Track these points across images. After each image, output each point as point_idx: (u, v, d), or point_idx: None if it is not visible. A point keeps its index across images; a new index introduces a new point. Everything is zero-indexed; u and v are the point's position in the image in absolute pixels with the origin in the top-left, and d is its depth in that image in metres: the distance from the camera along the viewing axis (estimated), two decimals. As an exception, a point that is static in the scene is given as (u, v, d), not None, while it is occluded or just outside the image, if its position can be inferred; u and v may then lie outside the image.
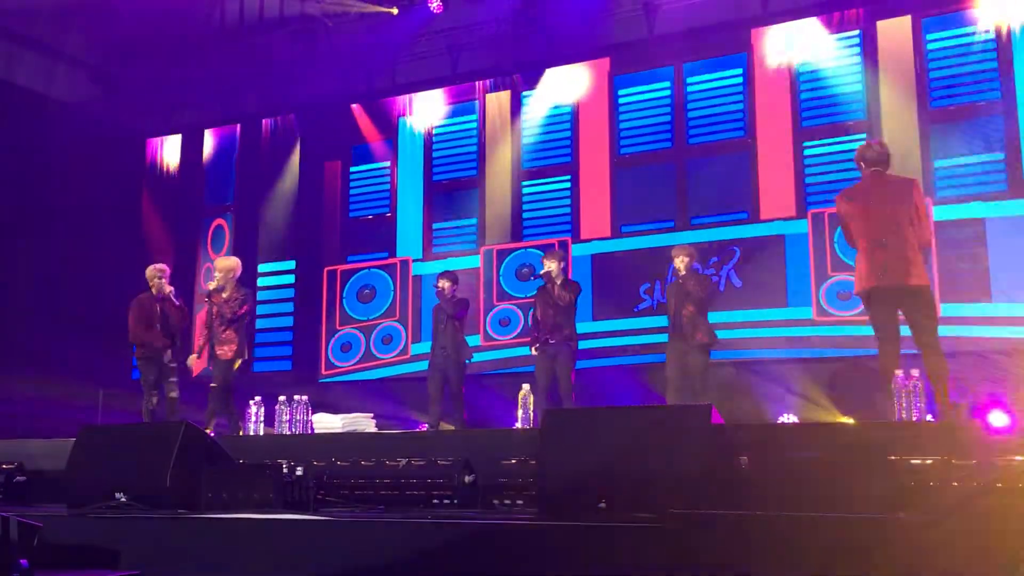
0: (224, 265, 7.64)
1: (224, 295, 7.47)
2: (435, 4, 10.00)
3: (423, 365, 9.76)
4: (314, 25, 10.91)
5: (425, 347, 9.93)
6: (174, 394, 7.39)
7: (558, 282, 7.49)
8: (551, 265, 7.54)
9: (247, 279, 10.97)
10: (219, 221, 11.68)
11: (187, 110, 11.99)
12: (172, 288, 7.76)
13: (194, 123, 11.97)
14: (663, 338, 8.47)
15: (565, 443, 3.80)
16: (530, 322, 7.98)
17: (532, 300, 7.80)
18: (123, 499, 4.06)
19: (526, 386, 6.65)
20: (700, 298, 7.17)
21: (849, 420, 7.14)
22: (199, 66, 11.28)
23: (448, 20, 10.29)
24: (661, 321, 8.91)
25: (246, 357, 7.89)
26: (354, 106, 11.02)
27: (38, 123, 10.24)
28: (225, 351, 7.38)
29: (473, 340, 8.66)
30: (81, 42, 10.94)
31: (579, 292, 7.65)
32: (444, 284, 7.97)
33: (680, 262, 7.26)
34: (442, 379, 7.76)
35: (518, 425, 6.72)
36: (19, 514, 3.03)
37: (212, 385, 7.31)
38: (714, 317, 8.80)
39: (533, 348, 7.61)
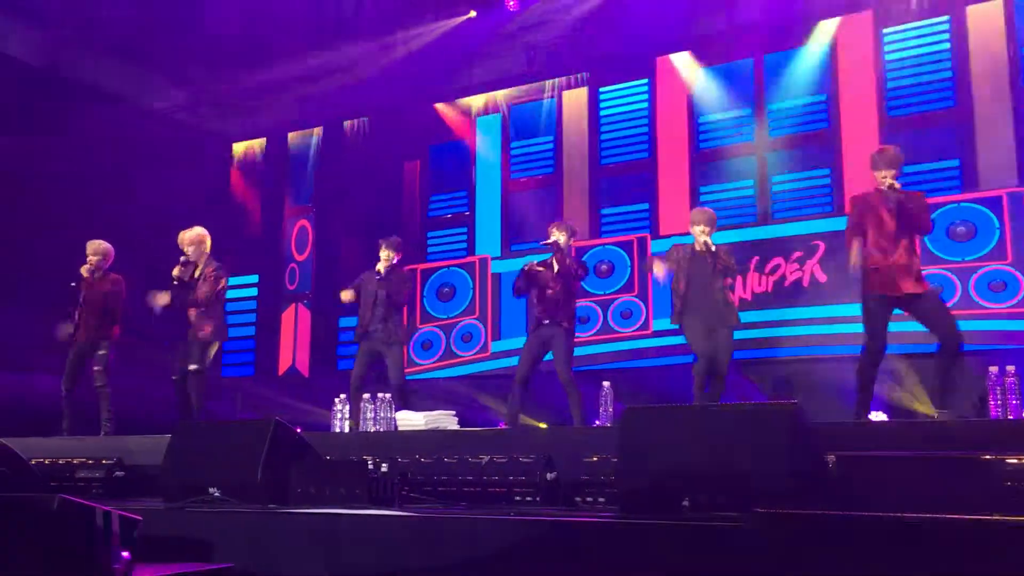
0: (192, 237, 7.24)
1: (197, 272, 7.15)
2: (512, 2, 10.02)
3: (504, 362, 9.85)
4: (391, 26, 11.04)
5: (506, 344, 10.02)
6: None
7: (569, 259, 7.00)
8: (559, 236, 7.01)
9: (331, 279, 11.25)
10: (302, 222, 11.93)
11: (270, 113, 12.28)
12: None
13: (277, 126, 12.25)
14: (747, 334, 8.33)
15: (646, 441, 3.78)
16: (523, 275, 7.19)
17: (540, 277, 7.07)
18: (217, 494, 4.20)
19: (606, 383, 6.64)
20: (732, 273, 6.67)
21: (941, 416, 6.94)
22: (280, 70, 11.54)
23: (524, 18, 10.31)
24: (745, 316, 8.80)
25: (226, 338, 7.54)
26: (432, 106, 11.13)
27: (127, 129, 10.59)
28: (206, 332, 7.05)
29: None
30: (167, 49, 11.28)
31: (587, 273, 7.15)
32: (383, 254, 7.35)
33: (701, 231, 6.61)
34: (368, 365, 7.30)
35: (597, 422, 6.71)
36: (119, 508, 3.16)
37: (192, 367, 6.98)
38: (799, 313, 8.70)
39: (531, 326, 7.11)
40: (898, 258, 5.48)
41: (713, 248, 6.57)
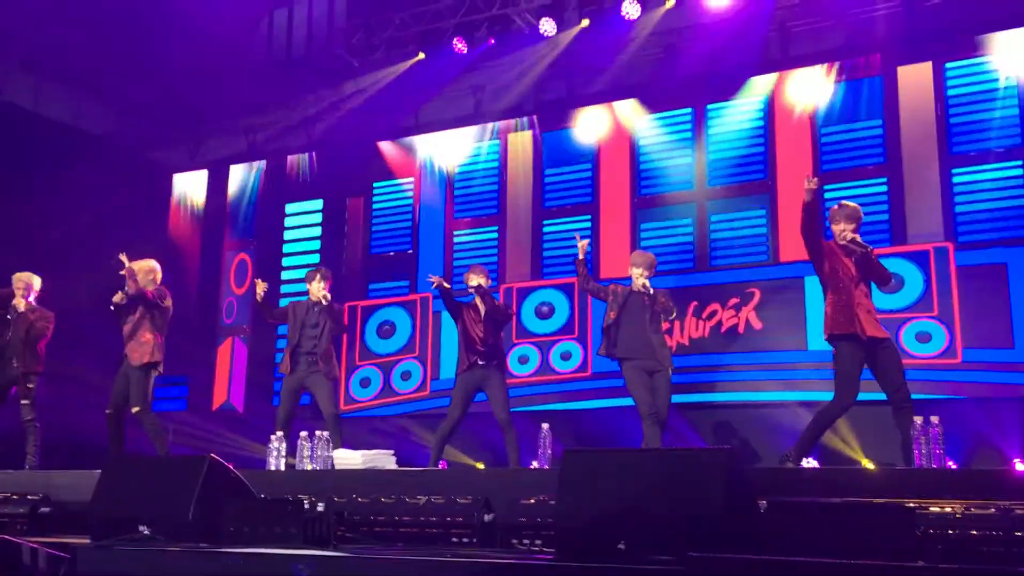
0: (144, 267, 7.24)
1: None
2: (460, 46, 10.14)
3: (443, 402, 9.81)
4: (340, 64, 11.09)
5: (445, 383, 10.00)
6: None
7: (499, 303, 7.19)
8: (479, 279, 7.20)
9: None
10: (242, 255, 11.82)
11: (213, 146, 12.20)
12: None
13: (220, 158, 12.16)
14: (683, 378, 8.44)
15: (584, 483, 3.81)
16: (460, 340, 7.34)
17: (467, 319, 7.27)
18: (147, 532, 4.11)
19: (545, 425, 6.67)
20: (670, 315, 6.72)
21: (871, 465, 7.11)
22: (225, 102, 11.49)
23: (471, 60, 10.44)
24: (682, 361, 8.93)
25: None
26: (377, 144, 11.17)
27: (67, 156, 10.42)
28: (142, 354, 6.97)
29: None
30: (110, 77, 11.16)
31: (513, 315, 7.30)
32: (317, 285, 7.33)
33: (640, 274, 6.73)
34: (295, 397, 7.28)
35: (535, 464, 6.73)
36: (45, 545, 3.08)
37: (134, 410, 6.87)
38: (735, 359, 8.86)
39: (463, 368, 7.16)
40: (862, 300, 5.68)
41: (651, 291, 6.67)
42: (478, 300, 7.21)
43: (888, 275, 5.89)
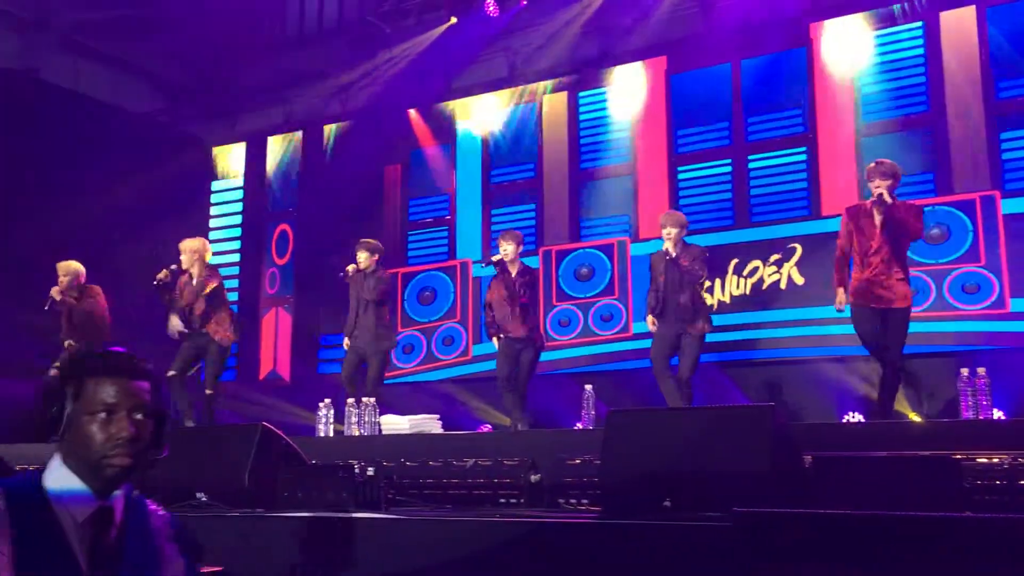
0: (194, 245, 7.41)
1: (193, 280, 7.29)
2: (492, 8, 10.09)
3: (485, 366, 9.91)
4: (373, 31, 11.09)
5: (487, 347, 10.08)
6: None
7: (513, 269, 7.15)
8: (507, 248, 7.18)
9: (312, 283, 11.28)
10: (283, 226, 11.94)
11: (250, 118, 12.29)
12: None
13: (258, 131, 12.25)
14: (725, 336, 8.44)
15: (629, 443, 3.86)
16: (484, 310, 7.52)
17: (492, 283, 7.39)
18: (204, 498, 4.23)
19: (589, 386, 6.72)
20: (696, 281, 6.64)
21: (917, 418, 7.07)
22: (261, 75, 11.56)
23: (504, 23, 10.38)
24: (723, 319, 8.90)
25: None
26: (411, 111, 11.18)
27: (107, 134, 10.57)
28: (222, 334, 7.27)
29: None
30: (145, 53, 11.27)
31: (532, 286, 7.25)
32: (362, 256, 7.47)
33: (668, 235, 6.63)
34: (357, 363, 7.38)
35: (579, 425, 6.79)
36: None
37: (208, 392, 7.19)
38: (777, 315, 8.81)
39: (494, 339, 7.27)
40: (874, 272, 5.69)
41: (674, 253, 6.63)
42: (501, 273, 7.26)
43: (917, 230, 5.79)
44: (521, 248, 7.40)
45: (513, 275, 7.15)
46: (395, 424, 6.13)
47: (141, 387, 1.99)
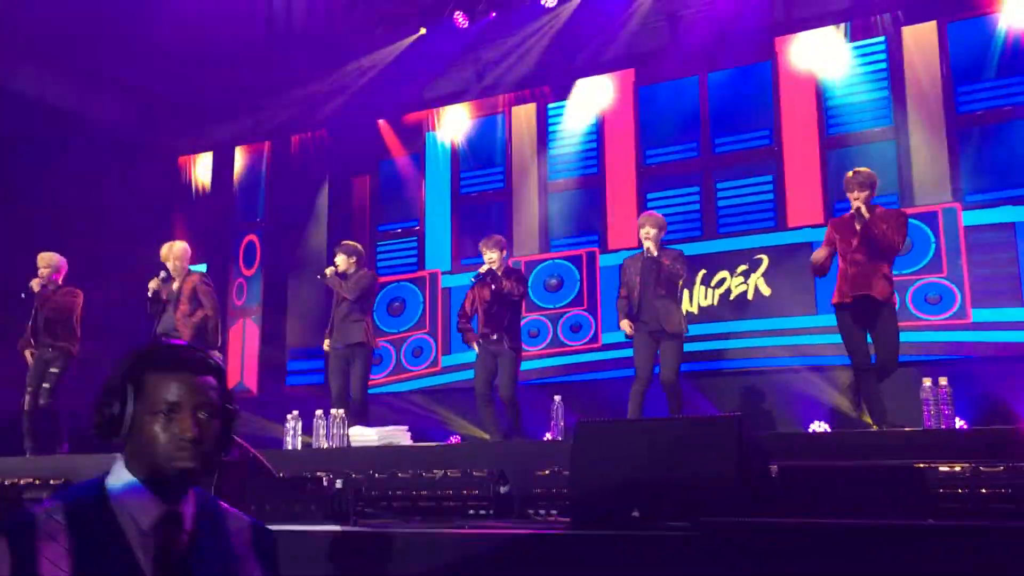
0: (179, 251, 7.35)
1: (176, 285, 7.23)
2: (461, 20, 10.12)
3: (454, 376, 9.91)
4: (342, 41, 11.07)
5: (456, 358, 10.08)
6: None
7: (500, 273, 7.02)
8: (492, 256, 7.05)
9: (279, 293, 11.21)
10: (250, 237, 11.86)
11: (218, 127, 12.20)
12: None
13: (225, 140, 12.18)
14: (694, 347, 8.49)
15: (597, 453, 3.87)
16: (459, 314, 7.48)
17: (471, 292, 7.33)
18: (170, 512, 4.18)
19: (557, 397, 6.73)
20: (677, 280, 6.59)
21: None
22: (229, 84, 11.49)
23: (473, 35, 10.42)
24: (692, 329, 8.96)
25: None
26: (380, 121, 11.17)
27: (71, 141, 10.45)
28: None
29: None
30: (112, 61, 11.16)
31: (524, 291, 7.14)
32: (341, 259, 7.40)
33: (647, 235, 6.55)
34: (343, 369, 7.29)
35: (548, 436, 6.80)
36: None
37: None
38: (744, 325, 8.89)
39: (473, 344, 7.16)
40: (858, 269, 5.74)
41: (655, 253, 6.59)
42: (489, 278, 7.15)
43: (893, 243, 5.79)
44: (505, 253, 7.28)
45: (503, 282, 7.02)
46: (364, 436, 6.10)
47: (206, 383, 1.87)
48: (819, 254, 5.99)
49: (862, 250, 5.77)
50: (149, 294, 7.15)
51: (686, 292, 9.04)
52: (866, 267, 5.74)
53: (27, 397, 7.17)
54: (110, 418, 1.83)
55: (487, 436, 7.45)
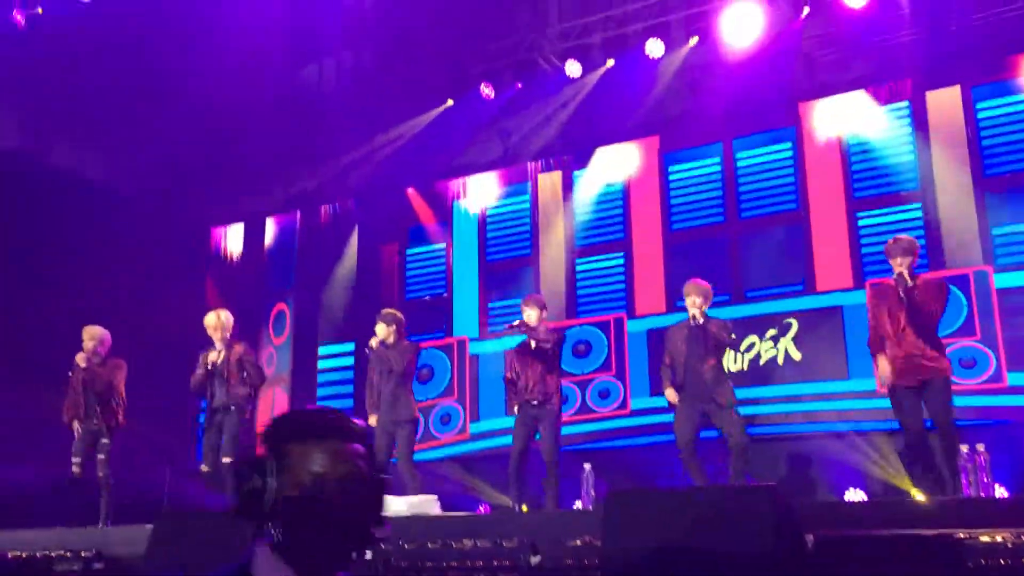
0: (226, 321, 7.25)
1: (220, 356, 7.13)
2: (487, 91, 10.31)
3: (482, 444, 9.86)
4: (371, 113, 11.30)
5: (484, 425, 10.03)
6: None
7: (541, 330, 6.90)
8: (531, 313, 6.94)
9: (309, 362, 11.26)
10: (280, 305, 11.98)
11: (249, 198, 12.42)
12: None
13: (256, 210, 12.38)
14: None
15: (629, 524, 3.82)
16: (505, 380, 7.30)
17: (513, 356, 7.18)
18: (200, 587, 4.16)
19: (587, 465, 6.67)
20: (724, 347, 6.45)
21: (919, 495, 7.01)
22: (259, 155, 11.73)
23: (499, 105, 10.60)
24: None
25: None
26: (409, 190, 11.33)
27: (102, 214, 10.66)
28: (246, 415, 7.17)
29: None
30: (144, 133, 11.45)
31: (563, 339, 7.01)
32: (383, 329, 7.13)
33: (693, 303, 6.44)
34: (388, 444, 7.02)
35: (578, 504, 6.72)
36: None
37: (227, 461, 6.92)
38: (775, 391, 8.81)
39: (515, 408, 6.99)
40: (909, 348, 5.60)
41: (700, 321, 6.46)
42: (528, 338, 7.02)
43: (932, 313, 5.67)
44: (545, 313, 7.17)
45: (542, 338, 6.89)
46: (393, 506, 6.06)
47: (354, 451, 1.70)
48: (880, 373, 5.88)
49: (909, 320, 5.65)
50: (208, 367, 7.11)
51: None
52: (919, 345, 5.63)
53: (75, 468, 7.21)
54: (250, 497, 1.68)
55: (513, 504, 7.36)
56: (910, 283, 5.64)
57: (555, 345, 6.93)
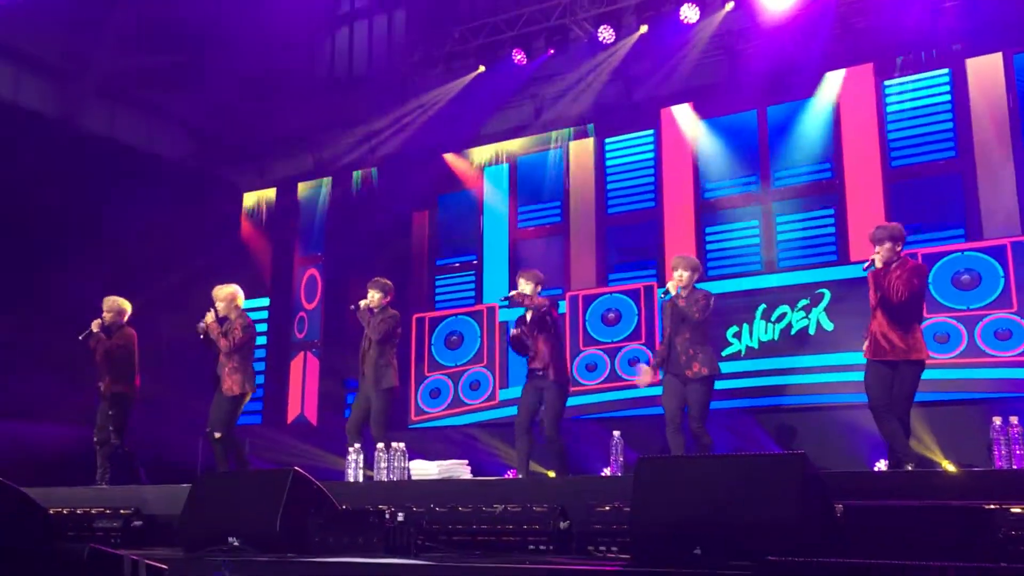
0: (226, 294, 7.34)
1: (225, 325, 7.22)
2: (519, 57, 10.25)
3: (511, 410, 9.90)
4: (402, 79, 11.29)
5: (513, 392, 10.09)
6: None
7: (535, 300, 6.91)
8: (526, 286, 6.94)
9: (340, 327, 11.36)
10: (311, 271, 12.07)
11: (281, 164, 12.49)
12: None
13: (287, 176, 12.44)
14: (753, 382, 8.41)
15: (658, 490, 3.85)
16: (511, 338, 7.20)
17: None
18: (236, 543, 4.26)
19: (617, 432, 6.69)
20: (697, 322, 6.37)
21: (950, 466, 6.99)
22: (291, 121, 11.77)
23: (531, 71, 10.54)
24: (751, 364, 8.87)
25: (253, 390, 7.41)
26: (440, 157, 11.32)
27: (139, 180, 10.77)
28: (230, 385, 7.14)
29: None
30: (180, 101, 11.53)
31: (548, 311, 6.97)
32: (373, 295, 7.23)
33: (679, 277, 6.40)
34: (362, 411, 7.08)
35: (607, 471, 6.76)
36: (141, 557, 3.23)
37: (216, 435, 7.03)
38: (806, 361, 8.77)
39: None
40: (878, 327, 5.80)
41: (673, 293, 6.44)
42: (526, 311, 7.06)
43: (894, 296, 5.71)
44: (540, 289, 7.13)
45: (536, 304, 6.93)
46: (424, 470, 6.14)
47: None
48: None
49: (876, 306, 5.83)
50: (200, 335, 7.26)
51: (745, 326, 8.97)
52: (887, 325, 5.77)
53: (96, 432, 7.43)
54: None
55: (544, 471, 7.41)
56: (878, 267, 5.81)
57: (548, 310, 6.95)
